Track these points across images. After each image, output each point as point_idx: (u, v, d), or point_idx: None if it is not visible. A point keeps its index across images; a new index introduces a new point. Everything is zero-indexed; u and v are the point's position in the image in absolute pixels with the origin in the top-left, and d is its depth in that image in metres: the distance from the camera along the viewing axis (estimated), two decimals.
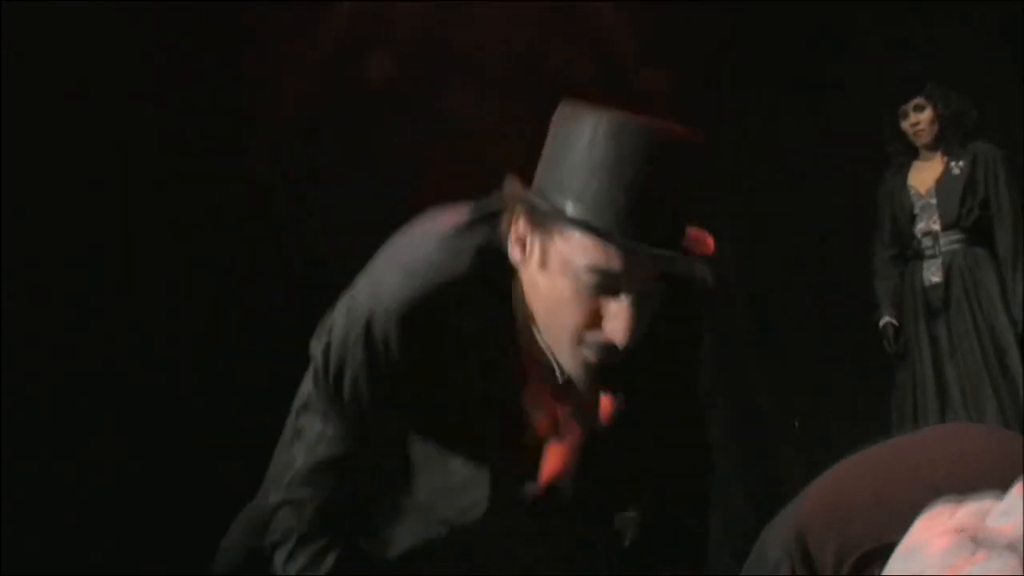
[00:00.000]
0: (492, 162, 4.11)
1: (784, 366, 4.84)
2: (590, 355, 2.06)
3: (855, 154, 4.82)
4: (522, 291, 2.10)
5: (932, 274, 4.62)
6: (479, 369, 2.17)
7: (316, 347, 2.25)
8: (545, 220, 2.01)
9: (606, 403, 2.15)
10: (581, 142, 1.96)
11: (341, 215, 4.07)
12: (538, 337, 2.11)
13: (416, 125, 4.18)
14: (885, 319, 4.69)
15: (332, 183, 4.16)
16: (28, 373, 3.60)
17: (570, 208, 1.96)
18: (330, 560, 2.20)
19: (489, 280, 2.11)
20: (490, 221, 2.13)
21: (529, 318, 2.10)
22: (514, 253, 2.07)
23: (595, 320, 2.02)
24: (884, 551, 1.44)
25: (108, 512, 3.52)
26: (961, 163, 4.61)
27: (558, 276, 2.01)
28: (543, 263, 2.03)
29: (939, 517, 1.41)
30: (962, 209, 4.58)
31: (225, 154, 3.99)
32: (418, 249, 2.14)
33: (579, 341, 2.05)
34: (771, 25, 4.69)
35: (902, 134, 4.70)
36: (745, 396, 4.84)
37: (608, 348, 2.04)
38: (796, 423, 4.80)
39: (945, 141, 4.63)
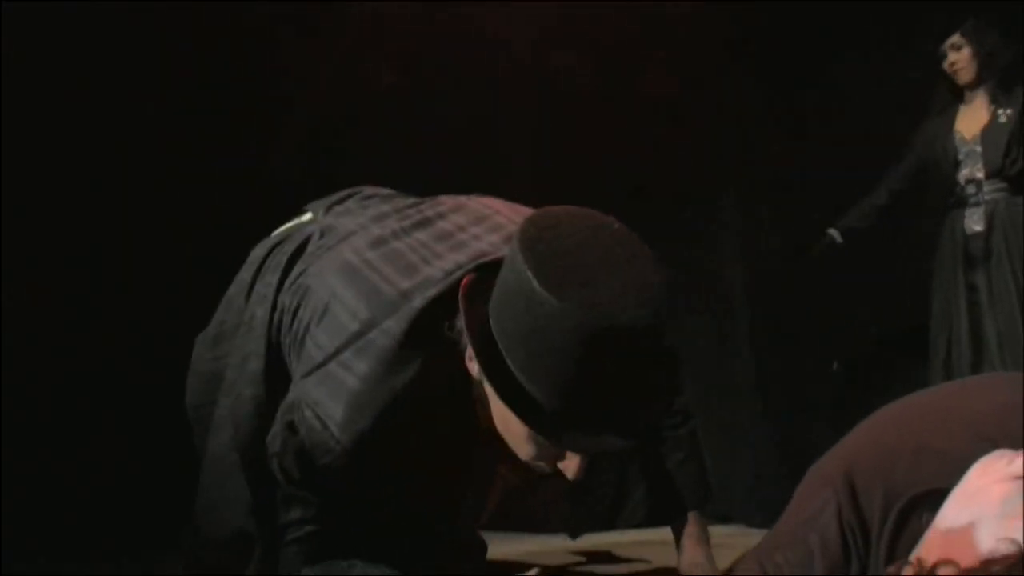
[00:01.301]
0: (504, 165, 4.14)
1: (814, 314, 4.79)
2: (545, 470, 2.05)
3: (859, 153, 4.81)
4: (480, 393, 2.03)
5: (974, 223, 4.57)
6: (446, 450, 2.15)
7: (272, 446, 2.22)
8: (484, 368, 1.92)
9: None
10: (550, 321, 1.83)
11: None
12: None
13: (429, 127, 4.18)
14: (832, 231, 4.69)
15: (337, 186, 4.15)
16: (28, 373, 3.60)
17: (513, 369, 1.88)
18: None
19: (443, 378, 2.04)
20: (443, 311, 2.03)
21: (489, 420, 2.05)
22: (471, 366, 2.00)
23: (547, 453, 2.00)
24: (933, 496, 1.43)
25: (108, 512, 3.52)
26: (1009, 111, 4.57)
27: (508, 414, 1.95)
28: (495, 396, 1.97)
29: (996, 464, 1.40)
30: (1007, 158, 4.54)
31: (226, 154, 3.99)
32: (361, 367, 2.06)
33: (533, 463, 2.03)
34: (773, 24, 4.69)
35: (944, 76, 4.69)
36: (772, 344, 4.81)
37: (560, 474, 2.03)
38: (835, 364, 4.76)
39: (987, 82, 4.62)
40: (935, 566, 1.31)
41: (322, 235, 2.42)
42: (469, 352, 1.97)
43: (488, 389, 1.97)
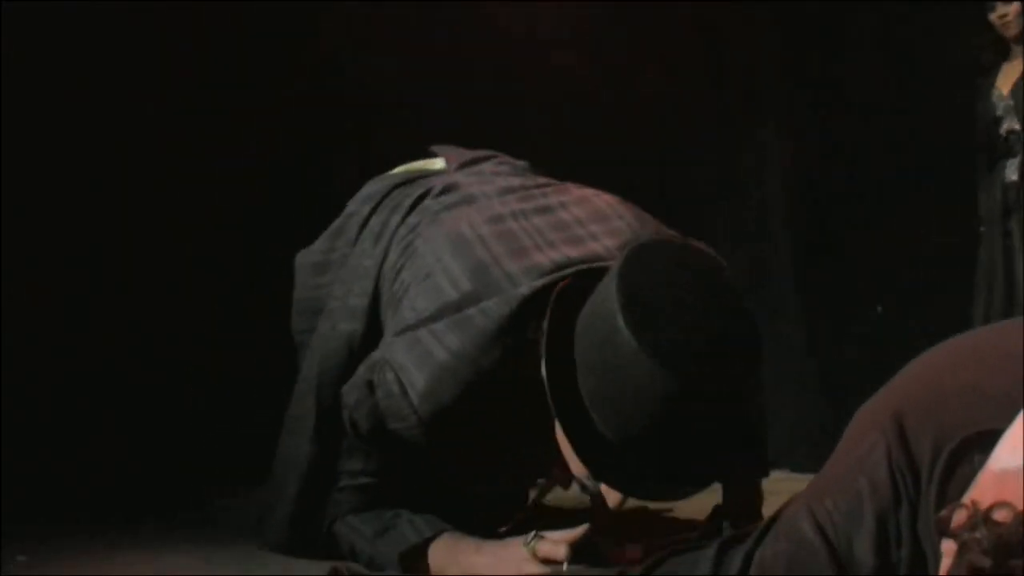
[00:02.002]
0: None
1: (859, 255, 4.79)
2: (590, 489, 2.09)
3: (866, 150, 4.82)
4: None
5: (1011, 173, 4.69)
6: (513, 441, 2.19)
7: (348, 398, 2.25)
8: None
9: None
10: (626, 360, 1.84)
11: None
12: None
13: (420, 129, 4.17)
14: (1011, 225, 4.78)
15: (331, 187, 4.15)
16: (28, 373, 3.60)
17: (583, 393, 1.91)
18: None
19: (520, 359, 2.08)
20: (542, 304, 2.06)
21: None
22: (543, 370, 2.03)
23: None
24: (985, 438, 1.41)
25: (108, 512, 3.50)
26: None
27: None
28: None
29: None
30: None
31: (225, 154, 3.98)
32: (453, 341, 2.11)
33: (579, 478, 2.08)
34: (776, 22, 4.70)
35: (991, 28, 4.77)
36: (816, 289, 4.80)
37: (601, 498, 2.07)
38: (879, 308, 4.79)
39: None
40: (990, 508, 1.29)
41: (444, 191, 2.42)
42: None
43: None
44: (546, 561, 2.13)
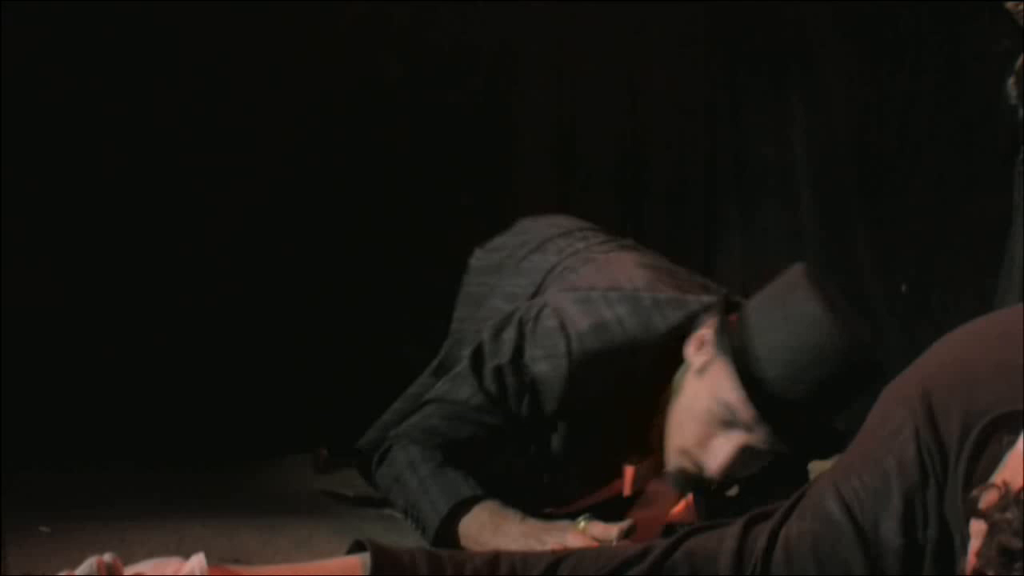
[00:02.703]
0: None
1: (891, 236, 4.81)
2: (685, 467, 2.34)
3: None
4: (677, 381, 2.34)
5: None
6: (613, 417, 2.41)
7: (488, 330, 2.45)
8: (728, 352, 2.24)
9: (685, 503, 2.34)
10: (809, 338, 2.18)
11: (343, 220, 4.08)
12: (664, 422, 2.36)
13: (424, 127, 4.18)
14: None
15: (331, 187, 4.15)
16: (28, 372, 3.59)
17: (755, 363, 2.19)
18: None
19: (659, 357, 2.34)
20: (690, 307, 2.35)
21: (666, 404, 2.35)
22: (688, 348, 2.32)
23: (703, 444, 2.28)
24: (1014, 418, 1.42)
25: (131, 484, 3.51)
26: None
27: (703, 389, 2.27)
28: (701, 371, 2.29)
29: None
30: None
31: (226, 154, 3.98)
32: (623, 310, 2.34)
33: (682, 452, 2.32)
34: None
35: (1010, 18, 4.78)
36: (841, 267, 4.82)
37: (699, 473, 2.31)
38: (904, 287, 4.80)
39: None
40: (1021, 489, 1.28)
41: (628, 247, 2.75)
42: (698, 336, 2.30)
43: (695, 367, 2.28)
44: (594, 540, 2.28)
